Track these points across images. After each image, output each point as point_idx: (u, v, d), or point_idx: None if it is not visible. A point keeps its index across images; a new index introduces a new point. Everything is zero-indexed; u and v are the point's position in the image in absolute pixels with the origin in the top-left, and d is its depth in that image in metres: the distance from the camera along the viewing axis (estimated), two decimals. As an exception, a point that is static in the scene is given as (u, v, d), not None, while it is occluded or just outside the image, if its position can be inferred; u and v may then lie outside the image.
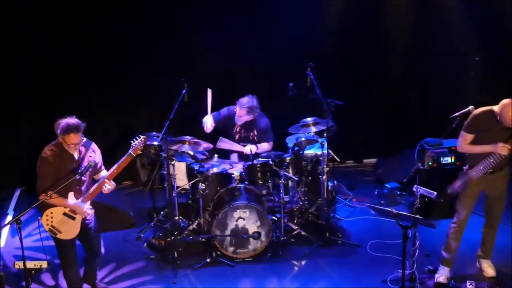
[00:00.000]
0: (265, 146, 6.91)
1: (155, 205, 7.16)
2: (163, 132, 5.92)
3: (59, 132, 4.92)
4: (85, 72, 7.75)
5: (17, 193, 7.96)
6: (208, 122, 6.74)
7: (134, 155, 5.06)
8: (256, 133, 6.91)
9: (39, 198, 4.92)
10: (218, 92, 6.94)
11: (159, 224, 6.88)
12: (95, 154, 5.20)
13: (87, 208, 5.14)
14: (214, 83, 7.04)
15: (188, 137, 6.48)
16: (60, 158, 4.98)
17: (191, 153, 6.51)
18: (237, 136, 6.99)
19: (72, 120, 4.91)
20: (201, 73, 7.69)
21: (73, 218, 5.14)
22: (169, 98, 6.37)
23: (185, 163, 6.68)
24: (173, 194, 6.45)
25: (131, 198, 7.84)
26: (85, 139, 5.13)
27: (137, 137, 5.10)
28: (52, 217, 5.11)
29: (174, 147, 6.41)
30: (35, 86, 7.73)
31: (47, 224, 5.11)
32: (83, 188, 5.17)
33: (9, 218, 7.22)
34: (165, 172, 6.41)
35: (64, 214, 5.12)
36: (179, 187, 6.58)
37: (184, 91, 6.19)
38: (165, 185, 6.48)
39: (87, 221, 5.24)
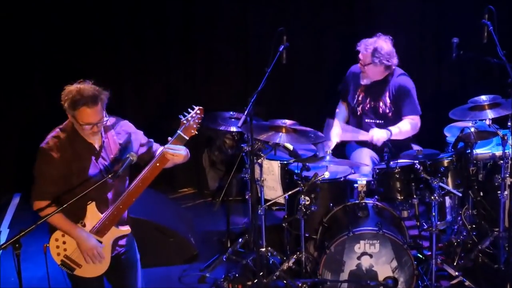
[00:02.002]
0: (405, 127, 6.69)
1: (229, 228, 7.17)
2: (246, 112, 5.70)
3: (67, 105, 4.79)
4: (124, 28, 8.29)
5: (16, 200, 8.05)
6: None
7: (187, 138, 4.92)
8: (388, 102, 6.79)
9: (34, 210, 4.86)
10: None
11: (235, 258, 6.83)
12: (130, 140, 5.09)
13: (96, 246, 4.94)
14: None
15: (286, 122, 6.27)
16: (70, 150, 4.90)
17: (290, 147, 6.42)
18: (359, 108, 6.90)
19: (86, 86, 4.79)
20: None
21: (99, 243, 5.00)
22: (257, 59, 6.53)
23: (279, 162, 6.57)
24: (259, 211, 6.32)
25: (193, 215, 7.87)
26: (112, 119, 5.07)
27: (189, 110, 4.99)
28: (64, 243, 4.96)
29: (263, 137, 6.27)
30: (50, 43, 8.23)
31: (58, 254, 4.98)
32: (109, 195, 5.01)
33: (2, 238, 7.27)
34: (247, 176, 6.43)
35: None
36: (269, 200, 6.52)
37: (281, 47, 5.99)
38: (247, 197, 6.58)
39: (119, 249, 5.13)
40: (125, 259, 5.18)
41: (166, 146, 4.88)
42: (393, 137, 6.60)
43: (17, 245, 4.42)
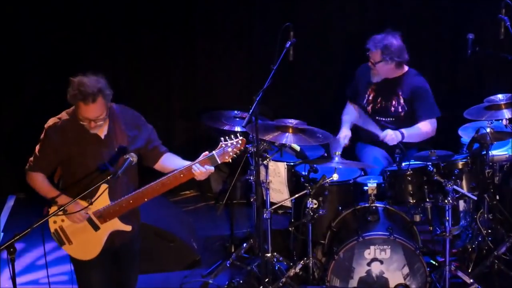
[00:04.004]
0: (420, 129, 6.70)
1: (233, 233, 7.19)
2: (251, 111, 5.76)
3: (68, 97, 4.87)
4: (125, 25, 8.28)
5: (11, 202, 8.04)
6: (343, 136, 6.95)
7: (219, 162, 5.05)
8: (402, 101, 6.76)
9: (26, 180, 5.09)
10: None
11: (239, 263, 6.80)
12: (139, 133, 5.13)
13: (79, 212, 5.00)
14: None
15: (293, 121, 6.32)
16: (73, 133, 4.98)
17: (297, 147, 6.42)
18: (370, 107, 6.93)
19: (88, 81, 4.81)
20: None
21: (96, 228, 5.04)
22: (262, 55, 6.58)
23: (286, 164, 6.55)
24: (265, 215, 6.34)
25: (196, 218, 7.83)
26: (125, 108, 5.15)
27: (232, 136, 5.06)
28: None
29: (269, 137, 6.29)
30: (45, 39, 8.22)
31: (54, 222, 5.05)
32: (118, 188, 5.07)
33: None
34: (252, 178, 6.43)
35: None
36: (275, 203, 6.51)
37: (288, 43, 6.03)
38: (252, 200, 6.56)
39: (118, 245, 5.15)
40: (128, 253, 5.22)
41: (197, 162, 4.97)
42: (406, 140, 6.58)
43: (11, 250, 4.44)
